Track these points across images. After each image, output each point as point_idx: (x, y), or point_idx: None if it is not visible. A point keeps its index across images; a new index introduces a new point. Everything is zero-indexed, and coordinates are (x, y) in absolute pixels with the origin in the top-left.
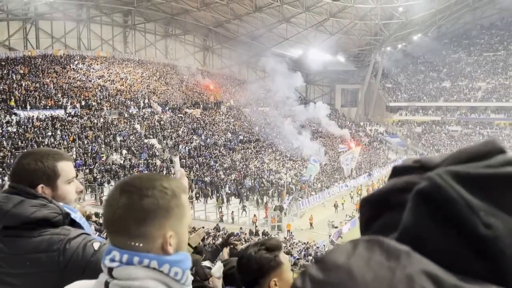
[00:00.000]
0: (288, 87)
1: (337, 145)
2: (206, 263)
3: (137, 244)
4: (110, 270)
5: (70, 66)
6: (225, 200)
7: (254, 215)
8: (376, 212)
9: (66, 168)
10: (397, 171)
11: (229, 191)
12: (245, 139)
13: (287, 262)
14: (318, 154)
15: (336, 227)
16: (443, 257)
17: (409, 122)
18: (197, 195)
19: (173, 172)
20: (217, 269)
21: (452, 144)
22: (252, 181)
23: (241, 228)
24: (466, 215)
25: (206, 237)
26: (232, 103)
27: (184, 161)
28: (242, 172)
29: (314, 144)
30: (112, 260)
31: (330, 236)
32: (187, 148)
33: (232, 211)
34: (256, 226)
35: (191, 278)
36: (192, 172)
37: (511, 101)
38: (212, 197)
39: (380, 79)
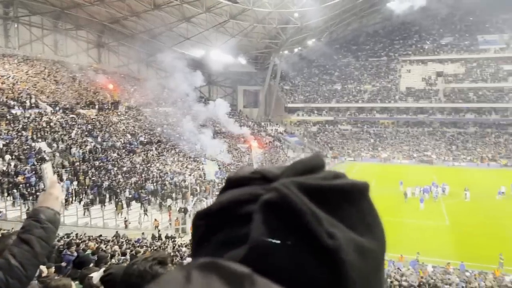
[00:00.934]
0: (189, 86)
1: (239, 144)
2: (94, 274)
3: None
4: None
5: None
6: (125, 205)
7: (155, 219)
8: (216, 226)
9: None
10: (233, 183)
11: (129, 196)
12: (146, 140)
13: None
14: (221, 154)
15: None
16: (293, 269)
17: (305, 122)
18: (92, 201)
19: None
20: (97, 276)
21: (344, 142)
22: (154, 184)
23: (143, 233)
24: (312, 226)
25: (105, 246)
26: (132, 103)
27: (78, 165)
28: (143, 175)
29: (216, 143)
30: None
31: None
32: (81, 151)
33: (140, 215)
34: (159, 231)
35: None
36: (87, 177)
37: (392, 102)
38: (111, 203)
39: (279, 81)
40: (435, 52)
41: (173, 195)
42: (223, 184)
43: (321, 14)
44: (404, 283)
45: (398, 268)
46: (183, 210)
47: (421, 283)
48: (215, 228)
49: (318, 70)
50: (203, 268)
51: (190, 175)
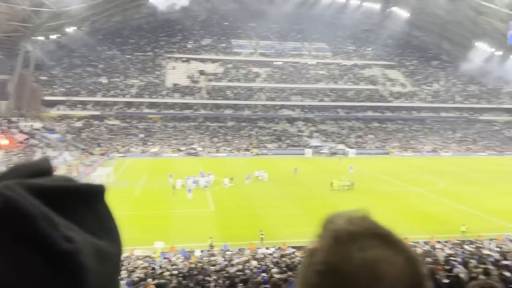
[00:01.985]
0: None
1: None
2: None
3: None
4: None
5: None
6: None
7: None
8: None
9: None
10: None
11: None
12: None
13: None
14: None
15: None
16: (24, 284)
17: (68, 117)
18: None
19: None
20: None
21: (112, 138)
22: None
23: None
24: (46, 231)
25: None
26: None
27: None
28: None
29: None
30: None
31: None
32: None
33: None
34: None
35: None
36: None
37: (160, 97)
38: None
39: (34, 71)
40: (197, 51)
41: None
42: None
43: (81, 1)
44: (175, 272)
45: (168, 259)
46: None
47: (190, 269)
48: None
49: (80, 61)
50: None
51: None
